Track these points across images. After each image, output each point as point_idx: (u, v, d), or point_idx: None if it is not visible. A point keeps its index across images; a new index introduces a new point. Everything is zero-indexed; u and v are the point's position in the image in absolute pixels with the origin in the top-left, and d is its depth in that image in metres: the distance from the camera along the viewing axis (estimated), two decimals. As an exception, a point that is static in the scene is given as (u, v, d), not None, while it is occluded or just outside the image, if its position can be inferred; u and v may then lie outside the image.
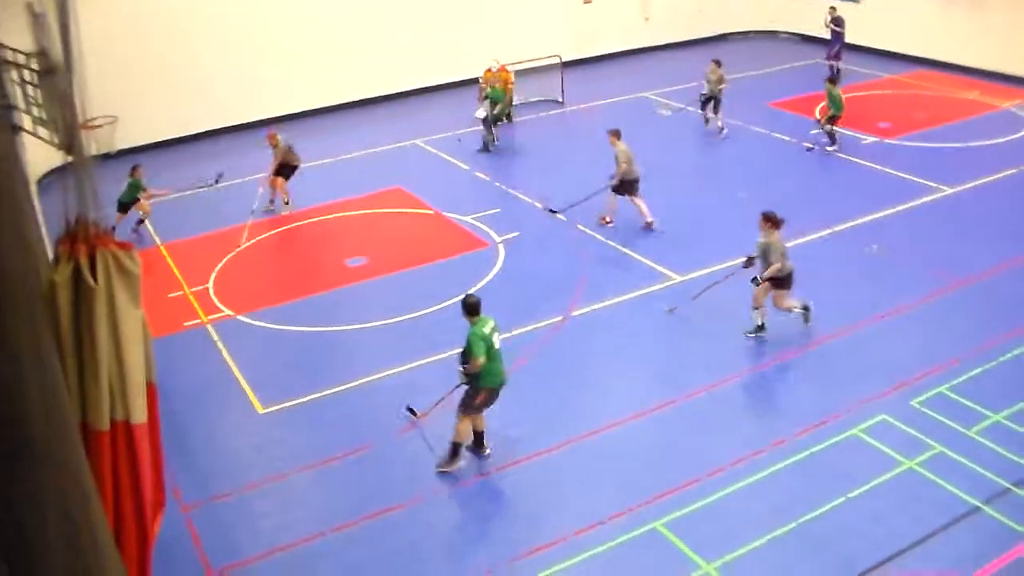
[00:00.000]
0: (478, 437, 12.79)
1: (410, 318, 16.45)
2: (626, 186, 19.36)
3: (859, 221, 19.79)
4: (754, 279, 15.12)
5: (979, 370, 14.45)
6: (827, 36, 31.40)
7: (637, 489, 12.10)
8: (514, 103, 26.78)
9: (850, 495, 11.89)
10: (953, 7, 30.85)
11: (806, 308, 15.55)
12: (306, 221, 20.60)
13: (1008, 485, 11.98)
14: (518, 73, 27.85)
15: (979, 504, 11.68)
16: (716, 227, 19.84)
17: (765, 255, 14.97)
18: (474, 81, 28.91)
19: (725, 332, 15.82)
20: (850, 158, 23.50)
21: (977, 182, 21.75)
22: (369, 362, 15.17)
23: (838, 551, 11.02)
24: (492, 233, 19.53)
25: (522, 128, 25.86)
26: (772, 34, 35.79)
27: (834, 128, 23.89)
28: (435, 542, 11.54)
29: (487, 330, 11.99)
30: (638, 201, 19.43)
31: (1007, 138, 24.92)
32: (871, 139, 24.75)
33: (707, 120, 25.69)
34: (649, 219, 19.43)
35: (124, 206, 19.68)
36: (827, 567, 10.80)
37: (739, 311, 15.85)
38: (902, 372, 14.40)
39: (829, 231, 19.31)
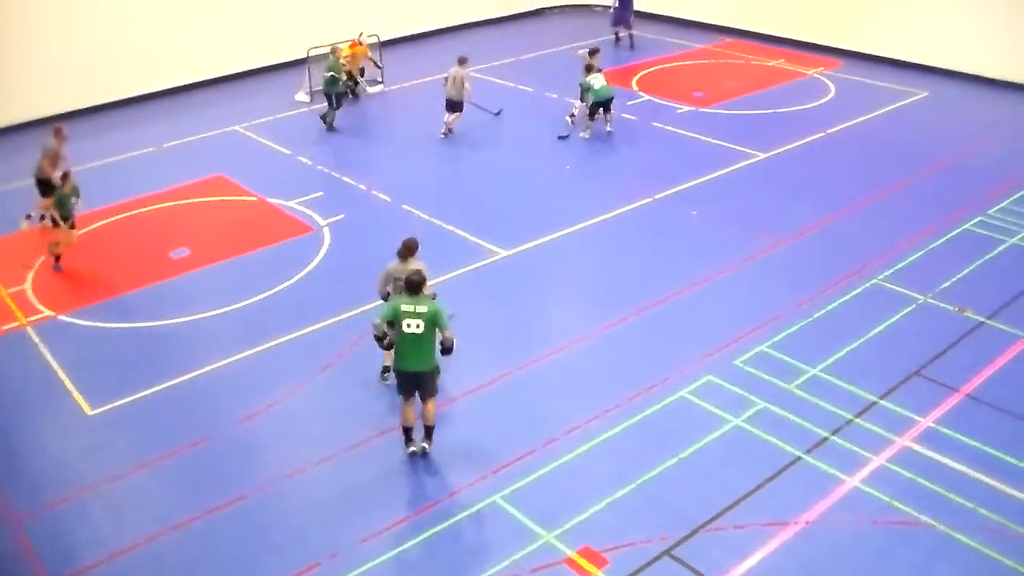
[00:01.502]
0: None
1: (238, 307, 16.16)
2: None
3: (678, 188, 20.43)
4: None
5: (797, 327, 15.18)
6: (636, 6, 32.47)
7: (472, 466, 12.28)
8: (358, 80, 26.33)
9: (682, 455, 12.34)
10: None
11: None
12: (127, 214, 19.93)
13: (827, 434, 12.68)
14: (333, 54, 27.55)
15: (801, 454, 12.31)
16: (540, 201, 20.15)
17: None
18: (292, 64, 28.48)
19: (552, 304, 16.12)
20: (667, 127, 24.16)
21: (788, 147, 22.71)
22: (199, 355, 14.85)
23: (675, 510, 11.44)
24: (317, 217, 19.33)
25: (343, 109, 25.58)
26: (587, 8, 36.32)
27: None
28: (284, 529, 11.41)
29: (400, 307, 11.80)
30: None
31: (814, 103, 26.07)
32: (686, 108, 25.48)
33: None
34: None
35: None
36: (665, 526, 11.19)
37: (574, 277, 16.14)
38: (725, 333, 14.99)
39: (650, 199, 19.87)
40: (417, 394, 12.22)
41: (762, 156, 22.21)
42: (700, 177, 20.97)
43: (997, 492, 11.65)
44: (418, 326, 11.75)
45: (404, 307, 11.79)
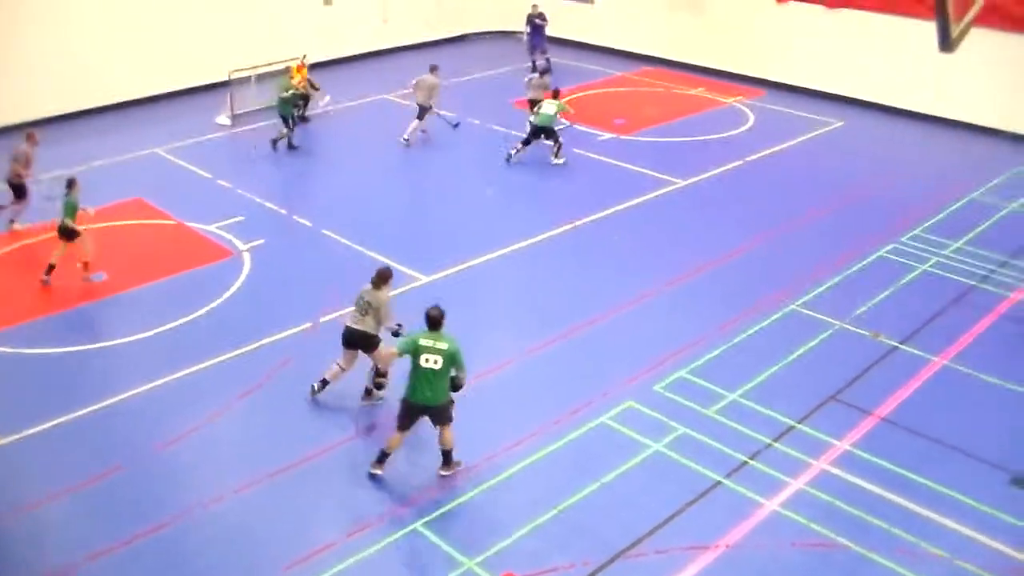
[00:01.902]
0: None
1: (156, 332, 15.88)
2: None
3: (601, 215, 20.59)
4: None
5: (716, 352, 15.36)
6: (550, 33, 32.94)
7: (394, 493, 12.22)
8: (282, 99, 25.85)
9: (603, 480, 12.40)
10: (676, 9, 32.46)
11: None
12: (41, 237, 19.50)
13: (745, 458, 12.83)
14: (259, 77, 27.37)
15: (721, 479, 12.43)
16: (463, 226, 20.18)
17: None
18: (213, 87, 28.17)
19: (474, 330, 16.10)
20: (589, 154, 24.34)
21: (708, 174, 23.04)
22: (116, 381, 14.52)
23: (596, 535, 11.47)
24: (237, 241, 19.11)
25: (264, 133, 25.40)
26: (508, 34, 36.51)
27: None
28: (205, 556, 11.17)
29: (419, 341, 11.84)
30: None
31: (733, 132, 26.50)
32: (607, 135, 25.73)
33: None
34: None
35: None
36: (586, 551, 11.21)
37: (497, 302, 16.17)
38: (646, 358, 15.12)
39: (572, 225, 19.98)
40: (431, 422, 12.28)
41: (682, 183, 22.49)
42: (622, 203, 21.16)
43: (911, 513, 11.89)
44: (436, 362, 11.78)
45: (423, 342, 11.82)
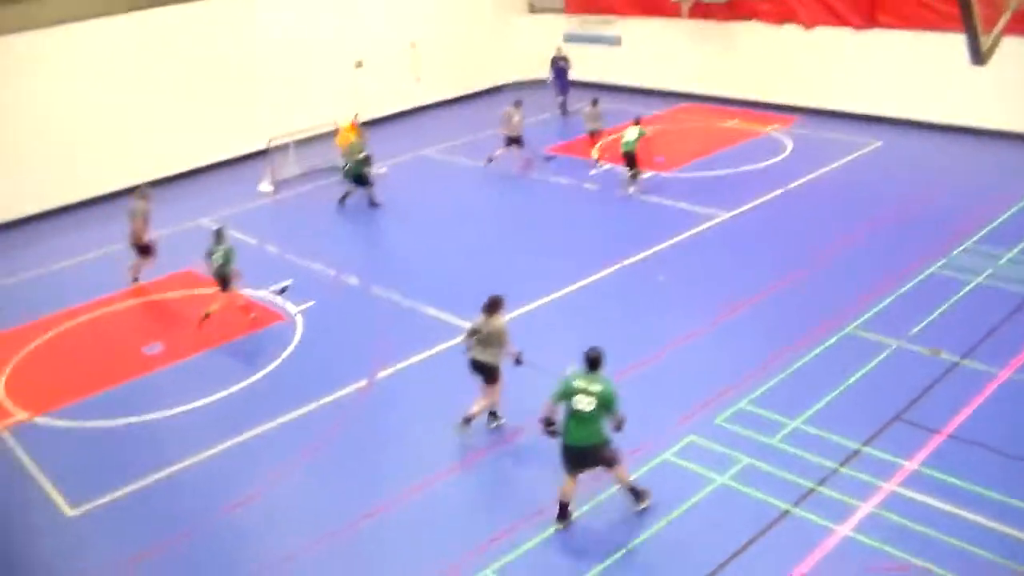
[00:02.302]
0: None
1: (215, 399, 16.04)
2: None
3: (645, 254, 20.56)
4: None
5: (774, 381, 15.22)
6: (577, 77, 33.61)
7: (460, 543, 12.14)
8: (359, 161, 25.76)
9: (672, 517, 12.28)
10: (705, 44, 32.60)
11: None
12: (97, 312, 19.82)
13: (812, 485, 12.64)
14: (297, 143, 27.79)
15: (789, 507, 12.27)
16: (511, 272, 20.19)
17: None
18: (254, 155, 28.63)
19: (529, 375, 16.07)
20: (632, 193, 24.37)
21: (750, 205, 22.96)
22: (178, 449, 14.67)
23: (668, 573, 11.35)
24: (288, 305, 19.28)
25: (306, 197, 25.71)
26: (539, 83, 36.73)
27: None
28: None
29: (573, 383, 11.77)
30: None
31: (771, 161, 26.42)
32: (648, 173, 25.73)
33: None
34: None
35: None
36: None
37: (549, 346, 16.15)
38: (704, 393, 15.00)
39: (618, 265, 19.95)
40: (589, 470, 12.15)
41: (725, 216, 22.43)
42: (666, 241, 21.13)
43: (985, 529, 11.64)
44: (590, 404, 11.64)
45: (577, 384, 11.71)
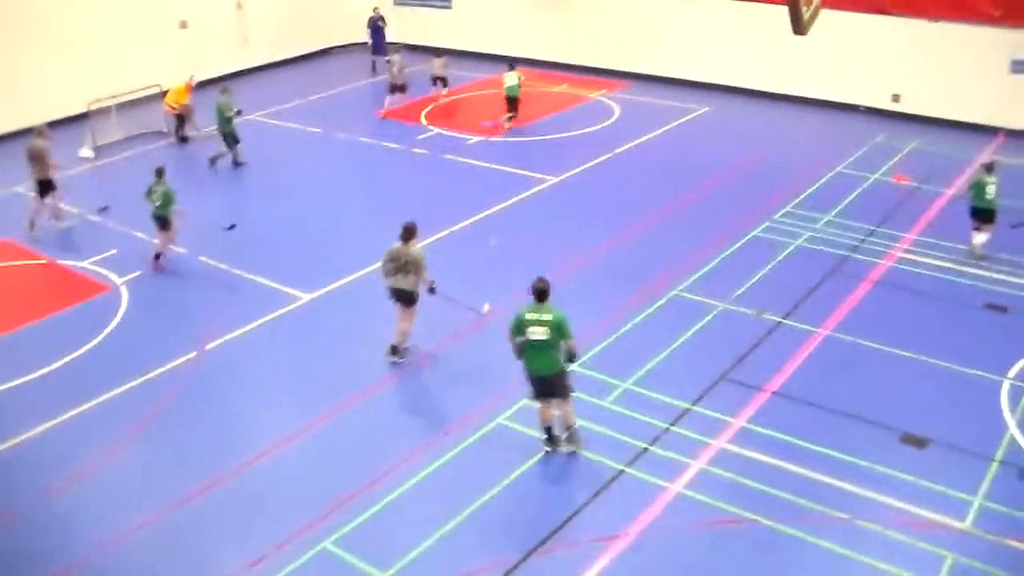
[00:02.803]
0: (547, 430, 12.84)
1: (37, 376, 15.20)
2: None
3: (476, 218, 20.50)
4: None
5: (605, 343, 15.41)
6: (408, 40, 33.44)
7: (299, 513, 11.85)
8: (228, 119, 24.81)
9: (506, 481, 12.28)
10: (538, 8, 32.65)
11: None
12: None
13: (645, 445, 12.86)
14: (120, 106, 26.63)
15: (623, 467, 12.43)
16: (342, 241, 19.85)
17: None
18: (70, 120, 27.24)
19: (360, 344, 15.85)
20: (459, 158, 24.27)
21: (579, 169, 23.16)
22: (4, 427, 13.84)
23: (505, 536, 11.38)
24: (112, 276, 18.45)
25: (129, 163, 24.68)
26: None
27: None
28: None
29: (525, 316, 12.20)
30: None
31: (600, 125, 26.73)
32: (476, 138, 25.66)
33: None
34: None
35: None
36: (497, 552, 11.09)
37: (380, 315, 15.91)
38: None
39: (448, 231, 19.81)
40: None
41: (554, 180, 22.56)
42: (496, 206, 21.11)
43: (812, 481, 12.07)
44: (543, 333, 12.08)
45: (528, 315, 12.18)
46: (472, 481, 12.29)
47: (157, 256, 18.76)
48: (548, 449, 12.75)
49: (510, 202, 21.36)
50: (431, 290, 14.81)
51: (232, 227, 19.99)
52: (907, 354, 14.93)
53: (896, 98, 26.86)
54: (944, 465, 12.45)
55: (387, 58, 27.49)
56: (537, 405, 12.73)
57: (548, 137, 25.86)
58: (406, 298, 14.85)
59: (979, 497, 11.86)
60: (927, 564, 10.81)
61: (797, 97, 28.22)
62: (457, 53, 34.05)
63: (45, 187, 20.80)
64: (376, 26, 33.42)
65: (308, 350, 15.80)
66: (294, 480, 12.59)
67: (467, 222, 20.31)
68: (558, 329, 12.10)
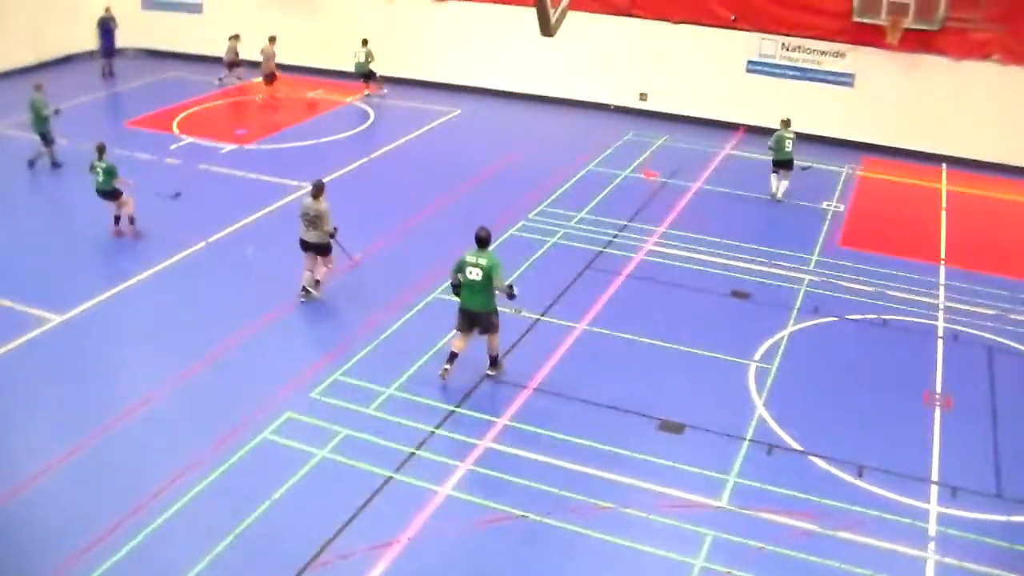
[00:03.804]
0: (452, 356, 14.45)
1: None
2: None
3: (231, 228, 19.89)
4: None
5: (365, 350, 15.30)
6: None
7: (60, 551, 11.08)
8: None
9: (275, 496, 11.96)
10: (288, 11, 32.05)
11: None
12: None
13: (412, 450, 12.83)
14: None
15: (392, 474, 12.36)
16: (92, 256, 18.88)
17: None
18: None
19: (118, 365, 15.15)
20: (213, 168, 23.53)
21: (336, 174, 22.85)
22: None
23: (277, 553, 11.06)
24: None
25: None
26: (119, 52, 34.58)
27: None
28: None
29: (466, 258, 14.12)
30: None
31: (356, 130, 26.55)
32: (230, 147, 24.98)
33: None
34: None
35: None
36: (271, 571, 10.81)
37: (138, 333, 15.21)
38: (297, 367, 14.79)
39: (204, 243, 19.16)
40: (477, 331, 14.42)
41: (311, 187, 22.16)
42: (252, 214, 20.56)
43: (576, 473, 12.39)
44: (477, 274, 13.95)
45: (468, 258, 14.07)
46: (239, 500, 11.89)
47: (117, 220, 19.49)
48: (447, 367, 14.27)
49: (266, 211, 20.80)
50: (331, 235, 16.52)
51: (177, 195, 21.21)
52: (661, 343, 15.54)
53: (643, 96, 27.90)
54: (700, 448, 13.05)
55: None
56: (457, 336, 14.42)
57: (304, 143, 25.44)
58: (316, 248, 16.64)
59: (733, 475, 12.50)
60: (689, 543, 11.30)
61: (549, 98, 28.88)
62: (211, 59, 33.03)
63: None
64: (107, 27, 32.11)
65: (63, 373, 14.81)
66: (56, 512, 11.80)
67: (223, 233, 19.64)
68: (488, 273, 13.88)
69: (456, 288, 14.37)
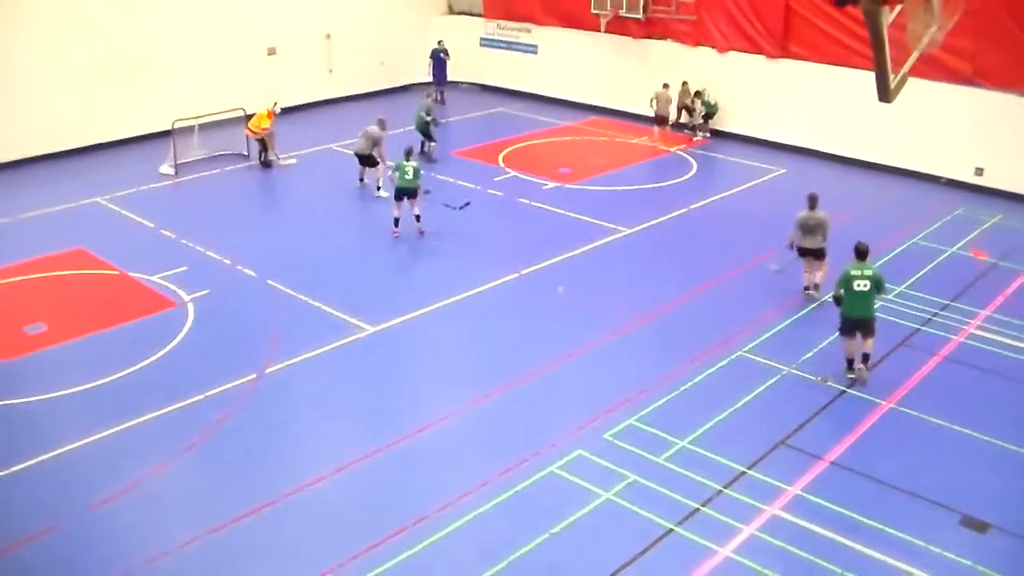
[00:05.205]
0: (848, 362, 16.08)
1: (96, 385, 15.50)
2: None
3: (545, 264, 20.52)
4: None
5: (664, 400, 15.29)
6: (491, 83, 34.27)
7: (342, 546, 11.89)
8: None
9: (554, 531, 12.20)
10: (622, 58, 32.80)
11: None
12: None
13: (697, 505, 12.71)
14: (202, 126, 27.23)
15: (673, 526, 12.30)
16: (409, 277, 20.12)
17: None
18: (155, 136, 27.98)
19: (420, 380, 15.97)
20: (533, 203, 24.36)
21: (652, 222, 23.11)
22: (52, 435, 14.11)
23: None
24: (181, 292, 18.81)
25: (208, 182, 25.20)
26: (453, 84, 36.65)
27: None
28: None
29: (851, 271, 15.57)
30: None
31: (677, 180, 26.67)
32: (552, 184, 25.76)
33: None
34: None
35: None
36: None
37: (443, 353, 16.00)
38: (594, 407, 15.00)
39: (516, 275, 19.88)
40: (859, 334, 15.77)
41: (627, 231, 22.54)
42: (566, 253, 21.13)
43: (862, 556, 11.83)
44: (865, 285, 15.46)
45: (853, 272, 15.57)
46: (518, 528, 12.22)
47: (396, 221, 21.78)
48: (851, 376, 15.84)
49: (581, 250, 21.32)
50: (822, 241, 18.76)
51: (467, 204, 23.04)
52: (974, 433, 14.61)
53: (979, 171, 26.45)
54: (1003, 551, 12.14)
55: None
56: (846, 340, 15.91)
57: (625, 188, 25.86)
58: (815, 254, 18.92)
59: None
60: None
61: (877, 164, 27.92)
62: (541, 99, 34.40)
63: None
64: (439, 58, 34.89)
65: (371, 381, 15.94)
66: (345, 511, 12.66)
67: (537, 267, 20.34)
68: (877, 282, 15.50)
69: (838, 300, 15.84)
